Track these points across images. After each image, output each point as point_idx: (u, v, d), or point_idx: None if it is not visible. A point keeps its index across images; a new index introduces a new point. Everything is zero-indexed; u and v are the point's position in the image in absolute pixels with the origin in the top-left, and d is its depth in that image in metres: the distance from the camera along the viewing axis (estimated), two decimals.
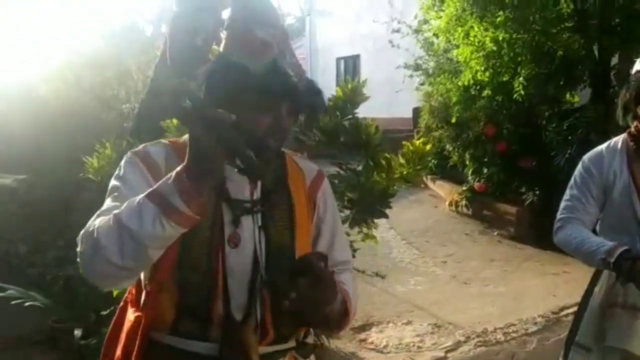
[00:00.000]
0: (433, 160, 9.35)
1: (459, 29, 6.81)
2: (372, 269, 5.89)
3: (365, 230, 3.49)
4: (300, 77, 1.28)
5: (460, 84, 7.47)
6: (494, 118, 7.73)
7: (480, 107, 7.73)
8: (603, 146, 2.23)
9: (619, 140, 2.20)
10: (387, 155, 3.41)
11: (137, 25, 7.63)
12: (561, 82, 7.12)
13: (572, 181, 2.24)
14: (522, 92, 6.59)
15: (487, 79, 6.96)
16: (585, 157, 2.24)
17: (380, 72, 13.53)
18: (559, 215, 2.22)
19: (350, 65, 18.53)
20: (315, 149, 3.46)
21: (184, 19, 3.19)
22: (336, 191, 3.44)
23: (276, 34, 1.30)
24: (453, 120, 8.06)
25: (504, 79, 6.86)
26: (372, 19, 12.36)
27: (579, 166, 2.24)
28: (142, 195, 1.12)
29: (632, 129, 2.15)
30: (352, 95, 3.47)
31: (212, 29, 3.21)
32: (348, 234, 3.55)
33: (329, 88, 3.37)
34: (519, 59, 6.67)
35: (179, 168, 1.11)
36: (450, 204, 8.40)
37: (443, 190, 9.16)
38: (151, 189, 1.12)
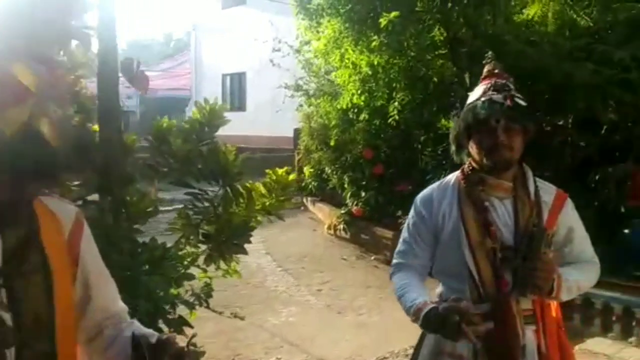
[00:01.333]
0: (313, 183, 9.25)
1: (337, 52, 6.74)
2: (244, 300, 5.60)
3: (223, 266, 3.19)
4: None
5: (339, 106, 7.41)
6: (372, 142, 7.73)
7: (358, 130, 7.71)
8: (435, 185, 2.05)
9: (451, 178, 2.02)
10: (247, 184, 3.14)
11: None
12: (435, 108, 7.24)
13: (405, 224, 2.06)
14: (397, 117, 6.62)
15: (362, 103, 6.94)
16: (417, 197, 2.06)
17: (264, 90, 13.36)
18: (392, 261, 2.04)
19: (236, 82, 18.24)
20: (167, 177, 3.12)
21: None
22: (190, 224, 3.13)
23: (47, 73, 0.99)
24: (332, 143, 8.00)
25: (379, 103, 6.85)
26: (254, 37, 12.19)
27: (412, 208, 2.05)
28: None
29: (466, 167, 1.99)
30: (210, 118, 3.17)
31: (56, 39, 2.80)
32: (205, 270, 3.23)
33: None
34: (394, 84, 6.69)
35: None
36: (329, 228, 8.28)
37: (322, 213, 9.04)
38: None
